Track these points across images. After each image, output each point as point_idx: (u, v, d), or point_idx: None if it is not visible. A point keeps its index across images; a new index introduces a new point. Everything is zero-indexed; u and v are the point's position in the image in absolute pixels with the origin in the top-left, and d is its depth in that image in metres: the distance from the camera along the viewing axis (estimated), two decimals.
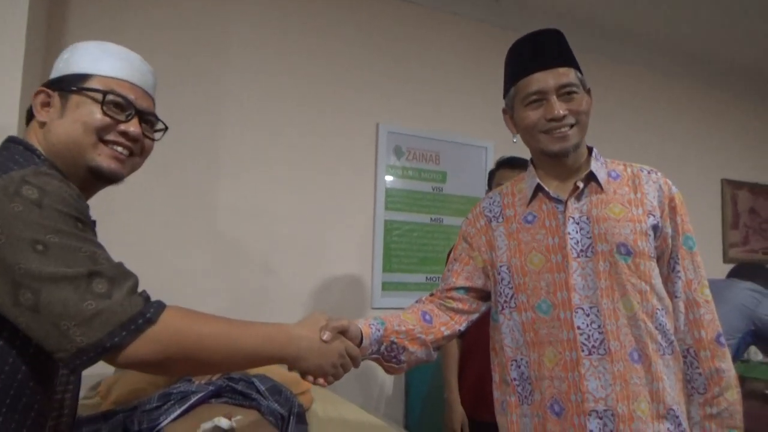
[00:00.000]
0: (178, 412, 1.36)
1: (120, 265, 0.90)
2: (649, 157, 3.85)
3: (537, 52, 1.27)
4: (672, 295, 1.25)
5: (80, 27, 2.40)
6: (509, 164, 2.13)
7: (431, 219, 3.15)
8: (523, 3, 3.41)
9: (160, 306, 0.89)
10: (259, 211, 2.69)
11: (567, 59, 1.27)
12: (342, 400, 2.01)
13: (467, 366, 2.05)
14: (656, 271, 1.23)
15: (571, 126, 1.24)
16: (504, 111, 1.38)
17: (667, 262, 1.27)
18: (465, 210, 3.22)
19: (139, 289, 0.90)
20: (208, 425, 1.29)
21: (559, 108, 1.23)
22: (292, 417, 1.47)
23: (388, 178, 3.03)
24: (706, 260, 1.30)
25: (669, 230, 1.26)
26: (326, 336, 1.10)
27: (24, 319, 0.82)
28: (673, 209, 1.27)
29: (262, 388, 1.48)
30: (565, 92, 1.24)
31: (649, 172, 1.31)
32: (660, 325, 1.20)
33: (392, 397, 2.93)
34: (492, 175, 2.21)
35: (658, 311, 1.21)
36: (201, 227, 2.57)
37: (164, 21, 2.57)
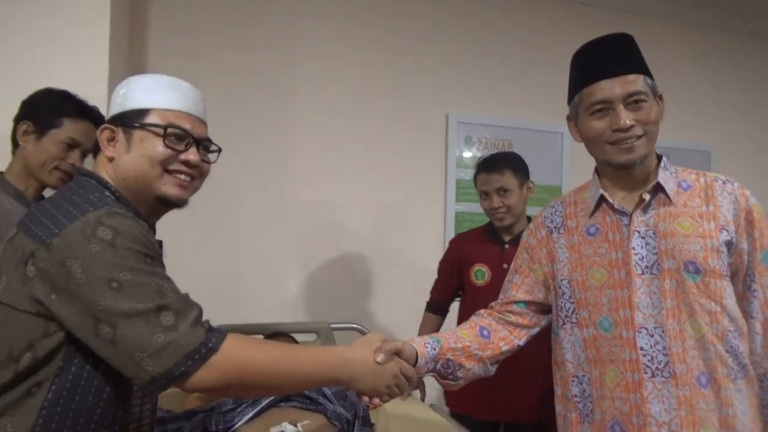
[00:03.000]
0: (251, 414, 1.45)
1: (186, 296, 0.97)
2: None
3: (604, 58, 1.22)
4: (748, 315, 1.19)
5: (160, 48, 2.54)
6: (484, 167, 2.14)
7: None
8: None
9: (221, 335, 0.96)
10: (331, 204, 2.78)
11: (636, 66, 1.20)
12: (411, 397, 2.05)
13: None
14: (729, 290, 1.17)
15: (639, 137, 1.19)
16: (568, 118, 1.33)
17: (743, 280, 1.19)
18: (540, 199, 3.15)
19: (204, 317, 0.97)
20: (276, 429, 1.37)
21: (626, 118, 1.17)
22: (357, 420, 1.53)
23: (459, 168, 3.01)
24: None
25: (745, 246, 1.18)
26: (380, 358, 1.13)
27: (104, 351, 0.91)
28: (750, 223, 1.19)
29: (328, 392, 1.55)
30: (633, 101, 1.18)
31: (724, 183, 1.23)
32: (732, 347, 1.14)
33: None
34: (474, 179, 2.21)
35: (729, 333, 1.15)
36: (278, 220, 2.69)
37: (235, 30, 2.67)
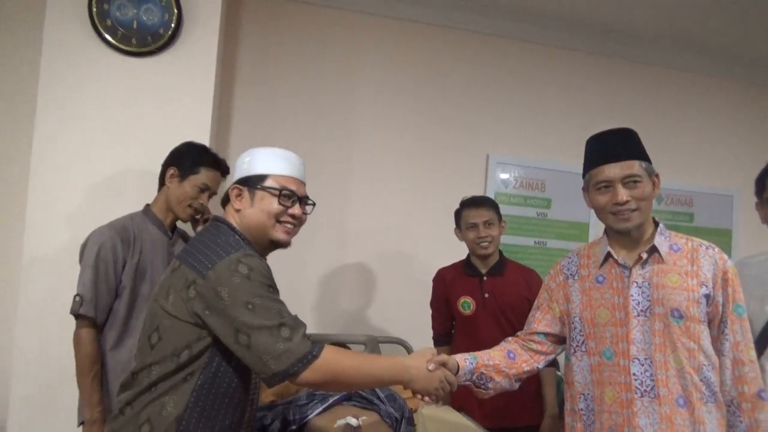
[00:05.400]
0: (320, 409, 1.82)
1: (296, 317, 1.35)
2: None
3: (608, 146, 1.56)
4: (720, 353, 1.49)
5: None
6: (473, 203, 2.44)
7: (535, 242, 3.43)
8: (630, 33, 3.54)
9: (322, 346, 1.33)
10: (383, 234, 3.16)
11: (633, 153, 1.54)
12: (445, 406, 2.40)
13: None
14: (705, 333, 1.48)
15: (633, 210, 1.52)
16: (583, 189, 1.67)
17: (717, 326, 1.50)
18: (568, 234, 3.48)
19: (307, 331, 1.35)
20: (342, 422, 1.73)
21: (623, 195, 1.50)
22: (403, 420, 1.88)
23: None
24: None
25: (720, 299, 1.49)
26: (431, 367, 1.49)
27: (241, 353, 1.29)
28: (725, 281, 1.50)
29: (381, 395, 1.91)
30: (630, 181, 1.51)
31: (707, 248, 1.55)
32: (705, 378, 1.45)
33: None
34: (458, 214, 2.50)
35: (704, 366, 1.46)
36: (338, 248, 3.11)
37: (308, 88, 3.15)
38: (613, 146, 1.55)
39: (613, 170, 1.52)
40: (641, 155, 1.55)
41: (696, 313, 1.47)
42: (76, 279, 1.89)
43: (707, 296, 1.49)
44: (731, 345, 1.49)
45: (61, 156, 2.29)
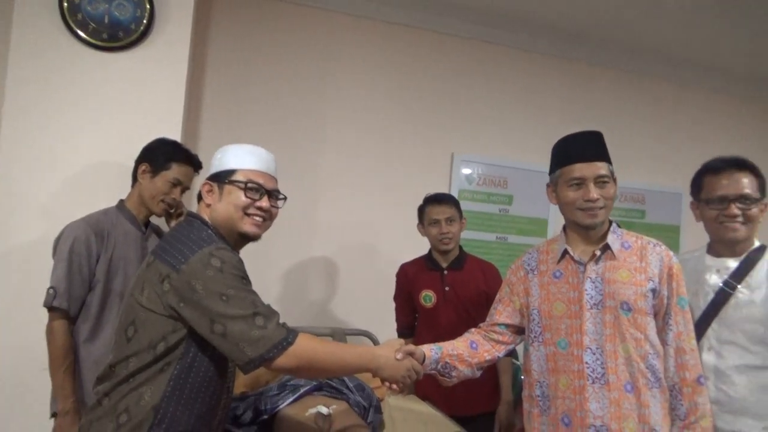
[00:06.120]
0: (291, 399, 1.89)
1: (269, 306, 1.41)
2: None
3: (583, 147, 1.66)
4: (664, 343, 1.62)
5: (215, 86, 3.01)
6: (436, 200, 2.54)
7: (497, 237, 3.55)
8: (591, 37, 3.69)
9: (296, 333, 1.39)
10: (351, 228, 3.24)
11: (604, 156, 1.65)
12: (410, 395, 2.49)
13: None
14: (651, 324, 1.60)
15: (601, 208, 1.63)
16: (548, 185, 1.78)
17: (662, 317, 1.63)
18: (528, 229, 3.62)
19: (281, 320, 1.41)
20: (313, 411, 1.81)
21: (594, 192, 1.61)
22: (371, 408, 1.97)
23: (461, 200, 3.45)
24: None
25: (665, 293, 1.62)
26: (399, 356, 1.57)
27: (217, 342, 1.34)
28: (670, 276, 1.63)
29: (350, 385, 1.99)
30: (600, 181, 1.62)
31: (654, 245, 1.67)
32: (650, 365, 1.58)
33: None
34: (422, 210, 2.60)
35: (649, 355, 1.58)
36: (305, 243, 3.17)
37: (280, 86, 3.15)
38: (587, 147, 1.66)
39: (586, 169, 1.63)
40: (608, 158, 1.66)
41: (643, 306, 1.59)
42: (47, 272, 1.91)
43: (654, 290, 1.61)
44: (674, 335, 1.61)
45: (30, 151, 2.28)
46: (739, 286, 1.74)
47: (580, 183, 1.63)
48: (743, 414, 1.67)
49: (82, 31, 2.29)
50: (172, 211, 2.06)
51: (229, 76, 3.07)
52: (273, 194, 1.59)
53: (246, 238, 1.56)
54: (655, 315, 1.63)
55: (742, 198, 1.74)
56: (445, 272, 2.55)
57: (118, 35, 2.34)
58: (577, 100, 3.82)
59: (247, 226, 1.53)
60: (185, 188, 2.07)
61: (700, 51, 3.83)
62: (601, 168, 1.63)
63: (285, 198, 1.65)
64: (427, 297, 2.54)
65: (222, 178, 1.53)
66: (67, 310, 1.87)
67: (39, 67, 2.28)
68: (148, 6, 2.36)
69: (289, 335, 1.37)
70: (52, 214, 2.24)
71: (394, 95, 3.38)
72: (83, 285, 1.90)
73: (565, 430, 1.62)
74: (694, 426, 1.57)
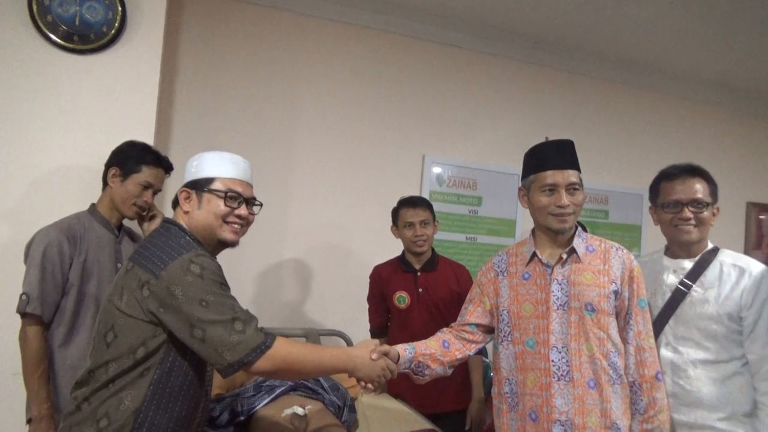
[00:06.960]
0: (267, 400, 1.92)
1: (248, 312, 1.44)
2: None
3: (555, 155, 1.73)
4: (625, 341, 1.71)
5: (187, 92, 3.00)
6: (411, 204, 2.61)
7: (466, 238, 3.63)
8: (558, 44, 3.81)
9: (274, 337, 1.43)
10: (322, 230, 3.27)
11: (575, 164, 1.73)
12: (383, 393, 2.55)
13: None
14: (613, 324, 1.69)
15: (570, 214, 1.70)
16: (520, 189, 1.83)
17: (624, 317, 1.72)
18: (497, 230, 3.71)
19: (259, 325, 1.44)
20: (288, 411, 1.84)
21: (566, 199, 1.69)
22: (346, 407, 2.02)
23: (432, 201, 3.52)
24: None
25: (627, 294, 1.71)
26: (374, 356, 1.62)
27: (197, 346, 1.37)
28: (631, 279, 1.72)
29: (325, 385, 2.03)
30: (571, 188, 1.70)
31: (617, 249, 1.76)
32: (612, 363, 1.67)
33: None
34: (396, 212, 2.66)
35: (611, 353, 1.67)
36: (277, 245, 3.18)
37: (251, 89, 3.15)
38: (561, 155, 1.73)
39: (559, 176, 1.70)
40: (579, 167, 1.74)
41: (606, 307, 1.68)
42: (16, 277, 1.90)
43: (616, 292, 1.70)
44: (635, 334, 1.70)
45: None
46: (693, 286, 1.84)
47: (553, 189, 1.70)
48: (698, 406, 1.77)
49: (52, 33, 2.27)
50: (144, 213, 2.06)
51: (200, 79, 3.07)
52: (250, 202, 1.62)
53: (224, 245, 1.59)
54: (617, 315, 1.72)
55: (695, 202, 1.84)
56: (419, 274, 2.61)
57: (89, 37, 2.32)
58: (545, 105, 3.93)
59: (227, 234, 1.55)
60: (157, 190, 2.07)
61: (662, 58, 3.98)
62: (572, 176, 1.70)
63: (261, 204, 1.68)
64: (401, 298, 2.59)
65: (200, 185, 1.55)
66: (41, 316, 1.86)
67: (8, 69, 2.24)
68: (119, 8, 2.35)
69: (267, 339, 1.41)
70: (21, 219, 2.22)
71: (364, 98, 3.42)
72: (56, 290, 1.89)
73: (532, 425, 1.69)
74: (653, 419, 1.67)
